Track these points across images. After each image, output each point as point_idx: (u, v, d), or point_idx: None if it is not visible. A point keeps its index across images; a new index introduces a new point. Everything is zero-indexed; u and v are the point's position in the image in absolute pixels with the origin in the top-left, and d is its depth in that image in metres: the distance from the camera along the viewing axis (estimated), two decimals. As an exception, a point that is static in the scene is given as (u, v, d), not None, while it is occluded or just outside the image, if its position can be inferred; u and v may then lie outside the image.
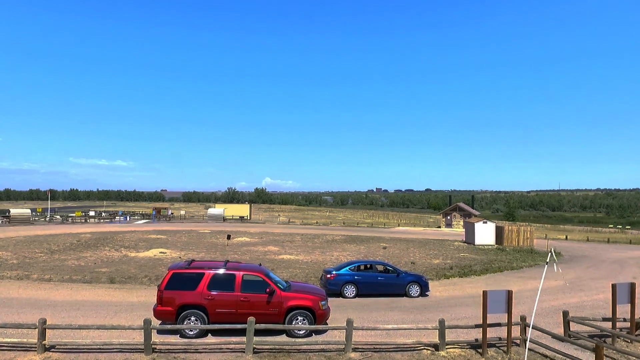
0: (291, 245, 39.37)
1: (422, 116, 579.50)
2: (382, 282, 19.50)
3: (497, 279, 24.71)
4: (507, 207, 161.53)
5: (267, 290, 13.02)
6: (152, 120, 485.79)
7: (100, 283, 20.99)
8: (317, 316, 13.12)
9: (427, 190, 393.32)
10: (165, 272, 13.66)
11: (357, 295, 19.22)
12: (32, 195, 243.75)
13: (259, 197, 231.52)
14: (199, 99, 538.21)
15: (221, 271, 13.21)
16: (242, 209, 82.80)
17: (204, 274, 13.09)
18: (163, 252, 31.91)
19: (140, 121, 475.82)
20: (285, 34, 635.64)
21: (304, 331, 12.92)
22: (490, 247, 40.98)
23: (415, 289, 19.57)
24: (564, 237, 55.43)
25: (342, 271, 19.54)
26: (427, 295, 19.75)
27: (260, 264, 15.20)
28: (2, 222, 60.60)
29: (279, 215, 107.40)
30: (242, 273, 13.28)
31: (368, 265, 20.35)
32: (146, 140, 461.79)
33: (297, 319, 12.97)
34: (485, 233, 42.25)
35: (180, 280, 12.96)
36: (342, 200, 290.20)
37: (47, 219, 71.98)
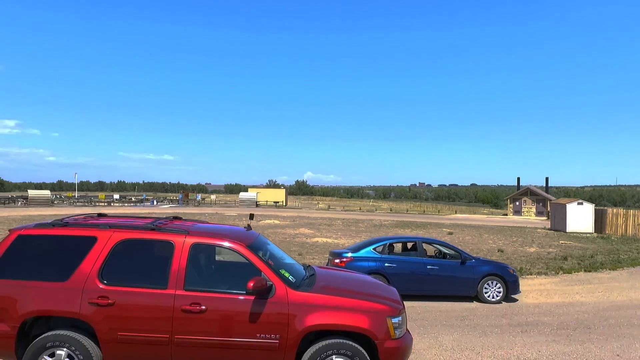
0: (329, 229, 31.41)
1: (465, 109, 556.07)
2: (434, 273, 10.74)
3: (647, 276, 15.73)
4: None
5: (251, 283, 4.88)
6: (199, 116, 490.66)
7: None
8: (382, 354, 5.03)
9: (472, 185, 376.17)
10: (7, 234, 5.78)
11: None
12: (83, 187, 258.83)
13: (300, 189, 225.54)
14: (243, 95, 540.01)
15: (141, 234, 5.26)
16: (277, 194, 75.70)
17: (95, 239, 5.20)
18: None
19: (188, 116, 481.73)
20: (323, 25, 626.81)
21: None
22: (588, 235, 31.42)
23: (495, 288, 10.85)
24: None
25: (363, 253, 10.75)
26: (516, 300, 11.13)
27: (249, 226, 6.53)
28: (21, 203, 59.84)
29: (318, 203, 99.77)
30: (192, 240, 5.24)
31: (409, 245, 11.51)
32: (192, 135, 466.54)
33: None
34: (580, 217, 32.62)
35: (36, 253, 5.21)
36: (385, 194, 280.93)
37: (69, 201, 68.17)
